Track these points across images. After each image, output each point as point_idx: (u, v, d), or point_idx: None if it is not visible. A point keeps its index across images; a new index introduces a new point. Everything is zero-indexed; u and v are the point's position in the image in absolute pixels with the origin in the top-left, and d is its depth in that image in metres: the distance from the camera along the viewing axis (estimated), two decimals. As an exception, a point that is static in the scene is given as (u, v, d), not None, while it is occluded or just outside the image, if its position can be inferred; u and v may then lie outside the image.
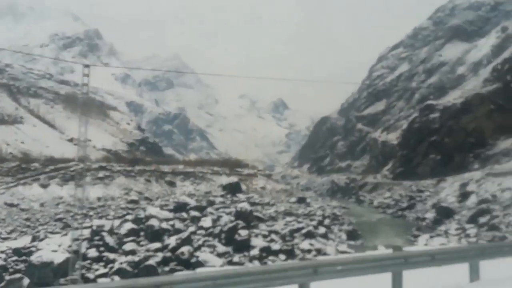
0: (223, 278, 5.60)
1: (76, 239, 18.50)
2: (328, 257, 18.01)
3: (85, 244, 17.53)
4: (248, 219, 22.79)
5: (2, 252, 17.50)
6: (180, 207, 26.13)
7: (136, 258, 16.24)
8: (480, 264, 8.00)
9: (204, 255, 16.89)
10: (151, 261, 15.95)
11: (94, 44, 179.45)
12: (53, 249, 15.48)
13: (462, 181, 32.98)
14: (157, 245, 17.75)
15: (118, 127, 70.14)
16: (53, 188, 27.92)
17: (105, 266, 16.06)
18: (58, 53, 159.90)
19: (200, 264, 16.32)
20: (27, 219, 23.98)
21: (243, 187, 37.21)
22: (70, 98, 72.13)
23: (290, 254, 19.04)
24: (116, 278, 15.18)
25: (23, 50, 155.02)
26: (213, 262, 16.39)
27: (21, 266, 16.66)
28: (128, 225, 19.15)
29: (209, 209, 24.15)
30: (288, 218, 26.07)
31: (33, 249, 16.88)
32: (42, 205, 26.60)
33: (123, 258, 16.48)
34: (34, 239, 19.00)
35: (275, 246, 19.14)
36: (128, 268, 15.63)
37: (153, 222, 19.47)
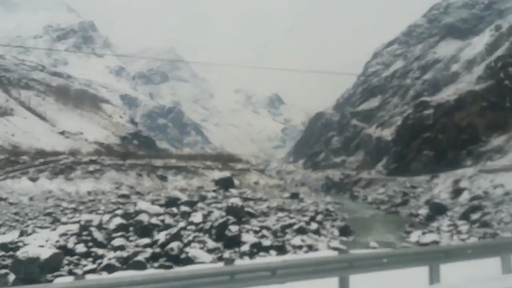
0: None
1: (65, 234, 18.31)
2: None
3: (73, 239, 17.30)
4: (239, 214, 22.63)
5: (-11, 247, 17.18)
6: (171, 202, 25.91)
7: (125, 254, 16.01)
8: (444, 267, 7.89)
9: (194, 251, 16.68)
10: (140, 257, 15.72)
11: (88, 36, 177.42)
12: (40, 244, 15.18)
13: (455, 177, 33.06)
14: (146, 240, 17.52)
15: (110, 120, 69.56)
16: (43, 182, 27.54)
17: (93, 262, 15.81)
18: (51, 44, 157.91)
19: (189, 260, 16.12)
20: (15, 213, 23.57)
21: (236, 182, 37.02)
22: (62, 90, 71.49)
23: (281, 250, 18.91)
24: (105, 274, 14.96)
25: (16, 41, 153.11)
26: (202, 258, 16.18)
27: (8, 261, 16.37)
28: (117, 220, 18.90)
29: (199, 204, 23.96)
30: (280, 214, 25.94)
31: (20, 244, 16.59)
32: (31, 199, 26.21)
33: (112, 254, 16.24)
34: (22, 233, 18.68)
35: (266, 242, 19.00)
36: (117, 264, 15.39)
37: (143, 217, 19.23)
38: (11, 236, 18.82)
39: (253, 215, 24.41)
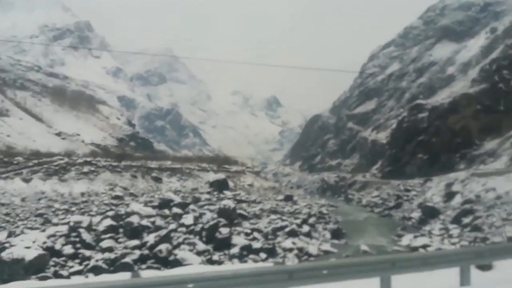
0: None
1: (53, 235, 18.23)
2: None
3: (61, 241, 17.23)
4: (231, 216, 22.59)
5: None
6: (165, 203, 25.84)
7: (112, 256, 15.97)
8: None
9: (182, 253, 16.66)
10: (128, 259, 15.69)
11: (84, 36, 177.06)
12: (26, 246, 15.11)
13: (448, 180, 33.09)
14: (136, 242, 17.48)
15: (107, 121, 69.44)
16: (36, 183, 27.47)
17: (80, 263, 15.76)
18: (48, 45, 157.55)
19: (178, 262, 16.09)
20: (6, 214, 23.48)
21: (231, 184, 37.02)
22: (58, 91, 71.40)
23: (271, 253, 18.92)
24: (91, 275, 14.91)
25: (12, 41, 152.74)
26: (191, 260, 16.16)
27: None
28: (107, 222, 18.84)
29: (191, 206, 23.88)
30: (272, 216, 25.93)
31: (7, 245, 16.49)
32: (23, 199, 26.14)
33: (100, 255, 16.20)
34: (10, 234, 18.58)
35: (256, 245, 18.99)
36: (104, 266, 15.36)
37: (133, 219, 19.18)
38: (0, 237, 18.75)
39: (245, 217, 24.39)
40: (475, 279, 7.88)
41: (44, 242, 16.43)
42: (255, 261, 17.98)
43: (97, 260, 15.70)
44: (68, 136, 52.71)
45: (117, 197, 28.24)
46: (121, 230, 19.00)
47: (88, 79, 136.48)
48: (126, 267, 15.45)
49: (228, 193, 33.22)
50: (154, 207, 25.04)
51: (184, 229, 20.14)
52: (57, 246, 16.64)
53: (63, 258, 16.00)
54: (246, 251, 18.54)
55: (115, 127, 67.78)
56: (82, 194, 27.81)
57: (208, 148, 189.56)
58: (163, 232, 17.72)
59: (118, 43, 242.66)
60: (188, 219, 20.84)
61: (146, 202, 26.90)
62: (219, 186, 34.27)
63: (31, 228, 21.36)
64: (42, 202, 25.39)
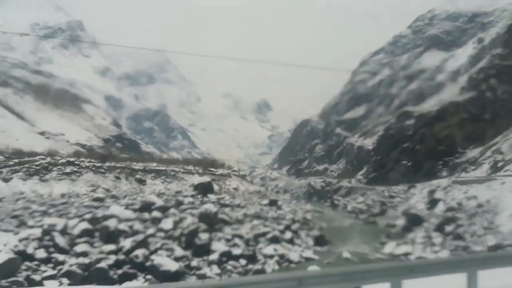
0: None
1: (26, 238, 17.66)
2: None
3: (34, 244, 16.68)
4: (212, 221, 22.23)
5: None
6: (146, 206, 25.34)
7: (87, 260, 15.50)
8: None
9: (159, 258, 16.25)
10: (103, 264, 15.24)
11: (76, 35, 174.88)
12: (-4, 249, 14.61)
13: (431, 187, 33.28)
14: (112, 247, 17.02)
15: (93, 121, 68.52)
16: (15, 183, 26.78)
17: (53, 268, 15.24)
18: (38, 43, 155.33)
19: (154, 268, 15.70)
20: (-19, 215, 22.78)
21: (216, 187, 36.67)
22: (41, 89, 70.24)
23: (251, 259, 18.60)
24: (65, 280, 14.45)
25: (2, 38, 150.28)
26: (168, 266, 15.78)
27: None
28: (83, 225, 18.32)
29: (172, 210, 23.44)
30: (255, 222, 25.59)
31: (-24, 248, 15.91)
32: (0, 200, 25.43)
33: (74, 260, 15.71)
34: (-19, 237, 17.97)
35: (236, 251, 18.67)
36: (78, 271, 14.89)
37: (110, 222, 18.72)
38: (-29, 239, 18.10)
39: (227, 223, 24.03)
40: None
41: (16, 246, 15.88)
42: (234, 267, 17.68)
43: (71, 265, 15.21)
44: (52, 135, 51.81)
45: (98, 199, 27.65)
46: (97, 234, 18.53)
47: (75, 78, 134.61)
48: (101, 273, 15.03)
49: (212, 197, 32.89)
50: (135, 210, 24.54)
51: (162, 234, 19.74)
52: (30, 250, 16.07)
53: (35, 262, 15.48)
54: (226, 257, 18.22)
55: (101, 128, 66.90)
56: (62, 195, 27.19)
57: (197, 151, 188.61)
58: (140, 237, 17.33)
59: (109, 42, 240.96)
60: (167, 224, 20.43)
61: (128, 205, 26.35)
62: (204, 189, 33.92)
63: (5, 231, 20.68)
64: (19, 203, 24.71)
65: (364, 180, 55.89)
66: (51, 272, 14.86)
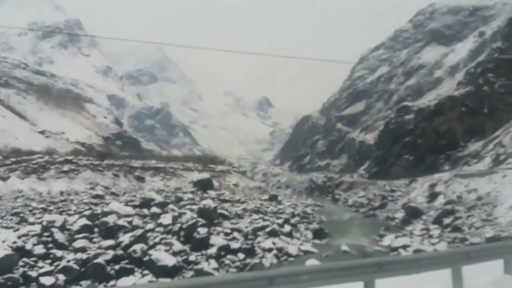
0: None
1: (25, 235, 17.76)
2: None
3: (33, 241, 16.78)
4: (211, 216, 22.32)
5: None
6: (146, 203, 25.47)
7: (84, 256, 15.58)
8: None
9: (157, 253, 16.31)
10: (100, 259, 15.29)
11: (74, 34, 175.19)
12: (-6, 245, 14.68)
13: (432, 181, 33.19)
14: (110, 242, 17.10)
15: (94, 120, 68.59)
16: (13, 181, 26.76)
17: (51, 264, 15.32)
18: (36, 42, 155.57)
19: (152, 262, 15.76)
20: (-19, 213, 22.88)
21: (216, 183, 36.69)
22: (44, 89, 70.34)
23: (249, 253, 18.66)
24: (61, 276, 14.52)
25: (0, 38, 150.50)
26: (166, 261, 15.84)
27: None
28: (82, 221, 18.42)
29: (170, 206, 23.49)
30: (254, 216, 25.69)
31: (-25, 244, 16.00)
32: None
33: (71, 256, 15.80)
34: (-19, 234, 18.06)
35: (234, 245, 18.72)
36: (75, 266, 14.97)
37: (109, 218, 18.79)
38: (-29, 237, 18.20)
39: (226, 217, 24.11)
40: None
41: (14, 242, 15.99)
42: (232, 261, 17.73)
43: (68, 261, 15.29)
44: (52, 134, 51.84)
45: (97, 196, 27.68)
46: (96, 229, 18.62)
47: (77, 78, 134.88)
48: (98, 268, 15.10)
49: (212, 193, 32.92)
50: (135, 206, 24.67)
51: (161, 229, 19.82)
52: (28, 246, 16.19)
53: (33, 259, 15.56)
54: (224, 252, 18.27)
55: (102, 126, 66.97)
56: (61, 193, 27.20)
57: (198, 148, 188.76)
58: (138, 232, 17.37)
59: (108, 41, 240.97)
60: (166, 219, 20.52)
61: (127, 202, 26.48)
62: (203, 185, 33.94)
63: (6, 227, 20.82)
64: (19, 201, 24.73)
65: (366, 175, 55.79)
66: (48, 268, 14.94)
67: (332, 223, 30.92)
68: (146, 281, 14.98)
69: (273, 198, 35.55)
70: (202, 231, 18.94)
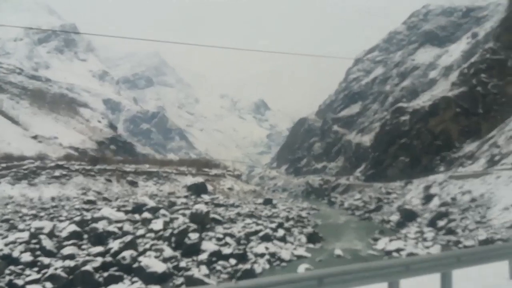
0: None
1: (13, 242, 17.44)
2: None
3: (20, 248, 16.47)
4: (203, 221, 22.07)
5: None
6: (138, 208, 25.22)
7: (72, 263, 15.27)
8: None
9: (147, 260, 16.01)
10: (88, 266, 15.00)
11: (71, 39, 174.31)
12: (-21, 254, 14.39)
13: (427, 183, 33.06)
14: (100, 249, 16.81)
15: (88, 124, 68.22)
16: (3, 187, 26.49)
17: (38, 272, 15.02)
18: (32, 47, 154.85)
19: (141, 269, 15.48)
20: (-30, 220, 22.53)
21: (210, 187, 36.46)
22: (37, 93, 69.93)
23: (241, 258, 18.40)
24: (48, 284, 14.22)
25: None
26: (155, 268, 15.55)
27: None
28: (71, 228, 18.12)
29: (161, 211, 23.22)
30: (248, 220, 25.46)
31: (-39, 253, 15.68)
32: (-11, 205, 25.17)
33: (59, 263, 15.49)
34: (-32, 242, 17.74)
35: (226, 250, 18.46)
36: (63, 274, 14.65)
37: (98, 224, 18.51)
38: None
39: (219, 222, 23.87)
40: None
41: (1, 250, 15.69)
42: (224, 267, 17.47)
43: (56, 268, 14.98)
44: (45, 139, 51.47)
45: (89, 202, 27.40)
46: (86, 236, 18.33)
47: (74, 82, 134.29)
48: (86, 276, 14.80)
49: (206, 197, 32.71)
50: (127, 212, 24.39)
51: (152, 234, 19.56)
52: (15, 254, 15.88)
53: (20, 266, 15.26)
54: (216, 257, 18.01)
55: (96, 130, 66.58)
56: (53, 199, 26.94)
57: (195, 152, 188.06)
58: (128, 238, 17.09)
59: (105, 45, 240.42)
60: (157, 224, 20.26)
61: (119, 207, 26.21)
62: (197, 190, 33.73)
63: (-5, 234, 20.50)
64: (9, 207, 24.44)
65: (362, 177, 55.65)
66: (35, 276, 14.63)
67: (327, 227, 30.74)
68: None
69: (267, 201, 35.34)
70: (193, 236, 18.69)
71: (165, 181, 34.86)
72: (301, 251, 21.13)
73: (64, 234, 17.79)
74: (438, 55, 72.47)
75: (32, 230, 17.34)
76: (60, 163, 31.45)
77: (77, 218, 20.57)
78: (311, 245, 23.08)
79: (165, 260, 16.81)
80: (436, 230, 22.12)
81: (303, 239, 23.91)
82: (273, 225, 24.51)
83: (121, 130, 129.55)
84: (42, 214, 24.37)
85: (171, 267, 16.49)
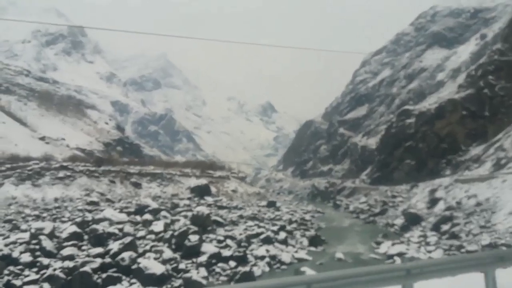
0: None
1: (14, 242, 17.53)
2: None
3: (20, 248, 16.54)
4: (204, 223, 22.02)
5: None
6: (141, 209, 25.24)
7: (71, 264, 15.29)
8: None
9: (146, 261, 16.01)
10: (87, 268, 15.01)
11: (78, 41, 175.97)
12: (-21, 254, 14.46)
13: (432, 187, 32.67)
14: (99, 250, 16.83)
15: (95, 126, 68.60)
16: (7, 188, 26.62)
17: (37, 272, 15.07)
18: (40, 49, 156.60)
19: (140, 270, 15.46)
20: (-26, 220, 22.71)
21: (214, 190, 36.38)
22: (45, 95, 70.55)
23: (241, 260, 18.29)
24: (46, 285, 14.25)
25: (4, 45, 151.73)
26: (154, 269, 15.53)
27: None
28: (71, 228, 18.17)
29: (163, 213, 23.22)
30: (250, 223, 25.34)
31: (-39, 253, 15.78)
32: (-7, 205, 25.34)
33: (59, 264, 15.53)
34: (-30, 242, 17.86)
35: (226, 253, 18.38)
36: (61, 275, 14.67)
37: (99, 225, 18.54)
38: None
39: (220, 224, 23.79)
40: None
41: (1, 250, 15.77)
42: (223, 269, 17.39)
43: (54, 269, 15.01)
44: (52, 140, 51.83)
45: (92, 203, 27.50)
46: (86, 237, 18.37)
47: (81, 84, 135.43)
48: (85, 277, 14.81)
49: (209, 199, 32.64)
50: (129, 213, 24.43)
51: (153, 236, 19.55)
52: (15, 254, 15.96)
53: (19, 267, 15.32)
54: (216, 259, 17.94)
55: (103, 132, 66.94)
56: (56, 200, 27.03)
57: (202, 154, 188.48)
58: (127, 240, 17.08)
59: (112, 48, 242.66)
60: (158, 226, 20.25)
61: (122, 208, 26.25)
62: (201, 192, 33.68)
63: (-1, 235, 20.63)
64: (12, 208, 24.58)
65: (368, 180, 55.20)
66: (33, 277, 14.67)
67: (331, 230, 30.51)
68: (133, 290, 14.72)
69: (271, 204, 35.20)
70: (193, 238, 18.63)
71: (169, 182, 34.88)
72: (302, 254, 20.98)
73: (64, 235, 17.83)
74: (446, 57, 71.74)
75: (33, 230, 17.41)
76: (64, 164, 31.60)
77: (79, 219, 20.61)
78: (313, 248, 22.91)
79: (164, 262, 16.79)
80: (440, 235, 21.80)
81: (305, 242, 23.74)
82: (275, 228, 24.37)
83: (129, 132, 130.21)
84: (45, 215, 24.49)
85: (170, 269, 16.45)
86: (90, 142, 60.38)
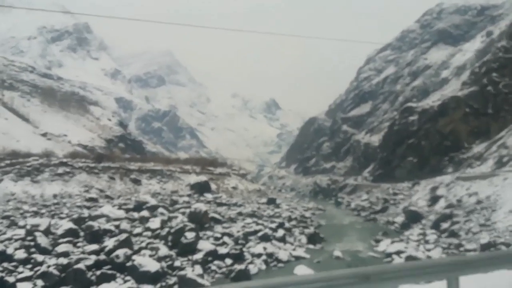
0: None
1: (9, 239, 17.51)
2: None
3: (16, 245, 16.50)
4: (202, 220, 21.92)
5: None
6: (140, 206, 25.19)
7: (65, 261, 15.23)
8: None
9: (141, 258, 15.90)
10: (81, 264, 14.93)
11: (83, 38, 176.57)
12: (-28, 250, 14.43)
13: (434, 184, 32.38)
14: (94, 246, 16.76)
15: (97, 122, 68.72)
16: (6, 184, 26.65)
17: (31, 269, 15.01)
18: (46, 46, 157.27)
19: (134, 268, 15.37)
20: (-28, 216, 22.74)
21: (214, 186, 36.30)
22: (49, 91, 70.75)
23: (238, 258, 18.17)
24: (39, 282, 14.19)
25: (10, 42, 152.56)
26: (149, 267, 15.42)
27: None
28: (67, 225, 18.12)
29: (160, 210, 23.14)
30: (248, 220, 25.20)
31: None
32: (-9, 201, 25.37)
33: (53, 261, 15.47)
34: (-34, 238, 17.86)
35: (222, 250, 18.26)
36: (55, 272, 14.60)
37: (95, 222, 18.48)
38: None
39: (218, 221, 23.67)
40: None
41: (-5, 246, 15.73)
42: (219, 267, 17.28)
43: (48, 266, 14.95)
44: (54, 136, 51.99)
45: (91, 199, 27.48)
46: (82, 234, 18.31)
47: (86, 80, 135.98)
48: (78, 274, 14.74)
49: (209, 196, 32.55)
50: (128, 210, 24.38)
51: (149, 233, 19.46)
52: (10, 251, 15.90)
53: (14, 263, 15.27)
54: (212, 257, 17.82)
55: (105, 128, 67.05)
56: (55, 196, 27.02)
57: (205, 150, 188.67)
58: (122, 237, 16.99)
59: (118, 45, 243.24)
60: (154, 223, 20.15)
61: (121, 205, 26.19)
62: (200, 188, 33.59)
63: (-5, 231, 20.64)
64: (10, 204, 24.58)
65: (370, 178, 54.95)
66: (27, 273, 14.61)
67: (331, 227, 30.34)
68: (127, 287, 14.64)
69: (271, 201, 35.06)
70: (190, 235, 18.52)
71: (169, 179, 34.83)
72: (300, 252, 20.82)
73: (60, 231, 17.78)
74: (451, 54, 71.04)
75: (28, 227, 17.37)
76: (64, 160, 31.60)
77: (75, 216, 20.58)
78: (311, 246, 22.74)
79: (159, 259, 16.68)
80: (439, 233, 21.56)
81: (304, 239, 23.56)
82: (273, 225, 24.22)
83: (132, 129, 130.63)
84: (43, 211, 24.44)
85: (165, 266, 16.35)
86: (92, 138, 60.50)
